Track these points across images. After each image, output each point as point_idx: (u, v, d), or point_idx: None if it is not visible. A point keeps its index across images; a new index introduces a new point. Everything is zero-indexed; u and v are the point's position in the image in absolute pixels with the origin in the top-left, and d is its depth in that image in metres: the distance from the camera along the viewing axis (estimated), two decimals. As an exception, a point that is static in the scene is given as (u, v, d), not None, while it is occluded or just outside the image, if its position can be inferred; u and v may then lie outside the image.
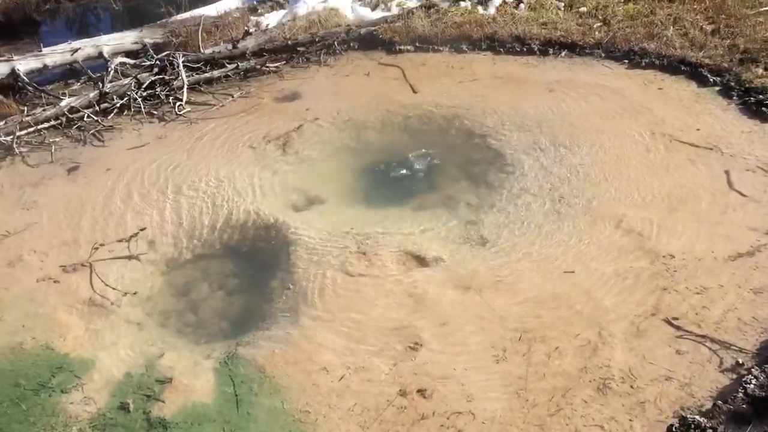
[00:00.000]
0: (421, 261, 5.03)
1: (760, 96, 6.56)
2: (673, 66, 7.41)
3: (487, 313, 4.52)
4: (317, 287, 4.84)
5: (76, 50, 8.84)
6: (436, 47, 8.57)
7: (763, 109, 6.39)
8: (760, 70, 6.97)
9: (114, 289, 5.06)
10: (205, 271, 5.38)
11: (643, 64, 7.59)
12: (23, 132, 7.17)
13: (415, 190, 6.08)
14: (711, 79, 7.05)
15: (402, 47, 8.67)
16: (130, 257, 5.37)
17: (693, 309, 4.39)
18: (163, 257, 5.43)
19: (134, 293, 5.08)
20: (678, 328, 4.28)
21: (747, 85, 6.79)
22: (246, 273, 5.33)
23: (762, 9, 8.27)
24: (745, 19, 8.07)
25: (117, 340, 4.65)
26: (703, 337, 4.19)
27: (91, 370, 4.40)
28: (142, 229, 5.57)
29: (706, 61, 7.34)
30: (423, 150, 6.46)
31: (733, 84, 6.90)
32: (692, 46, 7.67)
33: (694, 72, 7.24)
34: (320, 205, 5.87)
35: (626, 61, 7.71)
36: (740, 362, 4.01)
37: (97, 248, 5.38)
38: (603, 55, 7.88)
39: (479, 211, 5.57)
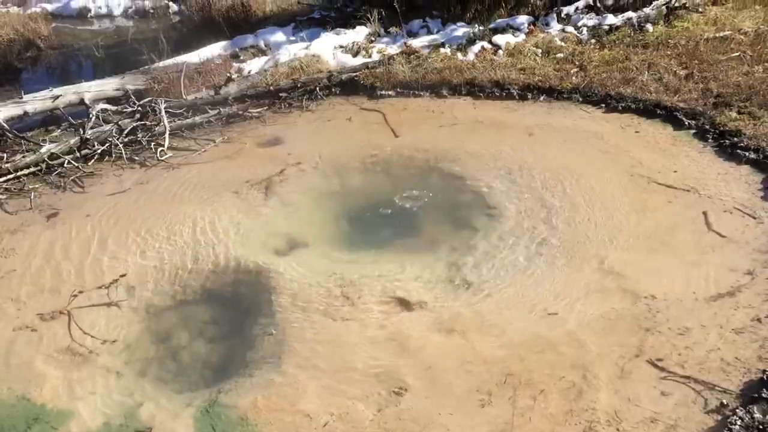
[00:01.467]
0: (405, 304, 5.01)
1: (735, 139, 6.70)
2: (649, 110, 7.55)
3: (471, 357, 4.49)
4: (300, 332, 4.80)
5: (57, 97, 8.87)
6: (416, 92, 8.70)
7: (738, 151, 6.52)
8: (734, 114, 7.14)
9: (93, 337, 4.97)
10: (186, 318, 5.32)
11: (620, 108, 7.74)
12: (2, 179, 7.12)
13: (398, 234, 6.09)
14: (686, 122, 7.20)
15: (383, 92, 8.81)
16: (109, 304, 5.30)
17: (676, 350, 4.40)
18: (143, 304, 5.37)
19: (113, 341, 4.99)
20: (662, 369, 4.27)
21: (721, 128, 6.92)
22: (227, 319, 5.27)
23: (733, 54, 8.55)
24: (717, 64, 8.31)
25: (95, 390, 4.55)
26: (687, 378, 4.19)
27: (68, 421, 4.29)
28: (122, 276, 5.52)
29: (681, 105, 7.52)
30: (414, 192, 6.51)
31: (707, 127, 7.04)
32: (667, 91, 7.87)
33: (669, 115, 7.39)
34: (303, 249, 5.86)
35: (603, 105, 7.86)
36: (725, 403, 4.00)
37: (75, 295, 5.31)
38: (580, 99, 8.03)
39: (462, 253, 5.58)
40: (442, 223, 6.15)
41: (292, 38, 11.24)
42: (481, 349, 4.56)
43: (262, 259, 5.62)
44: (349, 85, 9.07)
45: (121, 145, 7.71)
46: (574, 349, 4.48)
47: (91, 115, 8.12)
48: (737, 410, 3.93)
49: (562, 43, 9.53)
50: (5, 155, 7.54)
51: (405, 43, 10.02)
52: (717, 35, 9.08)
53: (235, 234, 6.00)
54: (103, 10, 16.96)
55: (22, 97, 8.70)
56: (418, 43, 10.08)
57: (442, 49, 9.69)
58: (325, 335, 4.77)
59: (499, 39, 9.73)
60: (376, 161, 7.09)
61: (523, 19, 10.54)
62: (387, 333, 4.76)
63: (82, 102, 9.04)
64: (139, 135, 7.97)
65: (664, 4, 10.18)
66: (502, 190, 6.34)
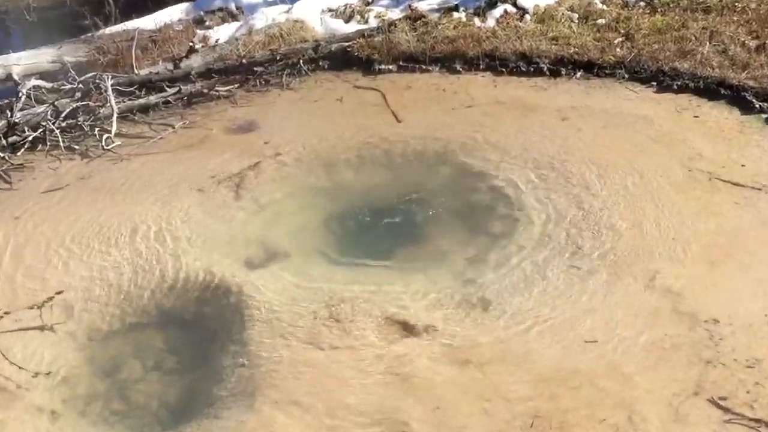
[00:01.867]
0: (409, 329, 5.01)
1: (818, 126, 6.74)
2: (711, 89, 7.55)
3: (490, 394, 4.49)
4: (278, 363, 4.79)
5: (-22, 71, 8.90)
6: (423, 67, 8.69)
7: (822, 141, 6.56)
8: (817, 95, 7.16)
9: (21, 368, 4.95)
10: (138, 345, 5.33)
11: (675, 86, 7.75)
12: None
13: (401, 242, 6.09)
14: (757, 105, 7.20)
15: (382, 67, 8.80)
16: (42, 328, 5.29)
17: (743, 386, 4.38)
18: (85, 327, 5.37)
19: (47, 373, 4.98)
20: (726, 410, 4.25)
21: (801, 113, 6.98)
22: (189, 346, 5.28)
23: (816, 20, 8.55)
24: (796, 33, 8.34)
25: (24, 435, 4.57)
26: (757, 421, 4.17)
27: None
28: (58, 293, 5.50)
29: (751, 83, 7.50)
30: (419, 191, 6.55)
31: (784, 111, 7.10)
32: (733, 66, 7.86)
33: (736, 96, 7.39)
34: (283, 260, 5.85)
35: (654, 83, 7.87)
36: (803, 453, 4.03)
37: (1, 317, 5.31)
38: (626, 76, 8.03)
39: (479, 267, 5.58)
40: (454, 230, 6.14)
41: (270, -1, 11.25)
42: (502, 384, 4.54)
43: (233, 272, 5.61)
44: (340, 58, 9.04)
45: (57, 131, 7.68)
46: (618, 385, 4.46)
47: (20, 94, 8.07)
48: (818, 462, 3.96)
49: (604, 6, 9.52)
50: None
51: (409, 6, 10.00)
52: (796, -3, 9.08)
53: (200, 242, 5.99)
54: (36, -36, 16.95)
55: (-69, 73, 8.72)
56: (426, 5, 10.05)
57: (455, 13, 9.67)
58: (310, 367, 4.76)
59: (525, 1, 9.74)
60: (373, 153, 7.09)
61: (555, -25, 10.52)
62: (386, 364, 4.75)
63: (9, 78, 9.01)
64: (81, 119, 7.92)
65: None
66: (528, 188, 6.33)
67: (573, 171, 6.46)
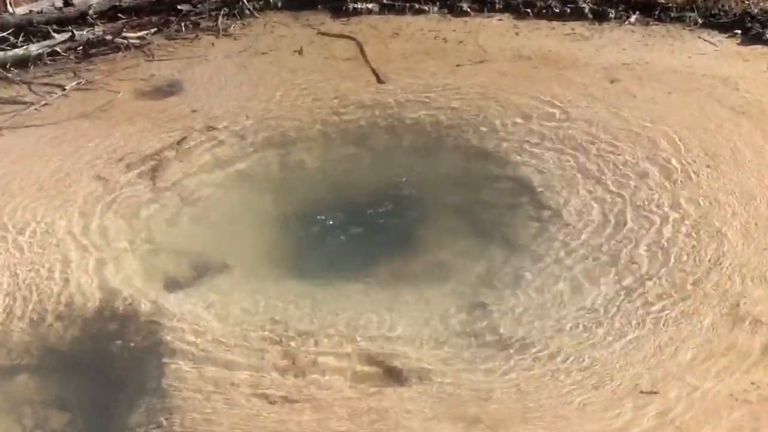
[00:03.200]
0: (394, 375, 5.01)
1: None
2: (819, 40, 7.68)
3: (508, 469, 4.55)
4: (211, 424, 4.74)
5: None
6: (417, 6, 8.75)
7: None
8: None
9: None
10: (12, 399, 5.28)
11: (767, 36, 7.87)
12: None
13: (384, 253, 6.12)
14: None
15: (359, 5, 8.85)
16: None
17: None
18: (-62, 373, 5.40)
19: None
20: None
21: None
22: (86, 400, 5.24)
23: None
24: None
25: None
26: None
27: None
28: None
29: None
30: (409, 179, 6.63)
31: None
32: None
33: None
34: (218, 277, 5.89)
35: (738, 31, 7.97)
36: None
37: None
38: (700, 21, 8.18)
39: (493, 287, 5.61)
40: (458, 236, 6.19)
41: None
42: (526, 454, 4.61)
43: (147, 296, 5.61)
44: (298, -8, 9.20)
45: None
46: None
47: None
48: None
49: None
50: None
51: None
52: None
53: (100, 252, 5.98)
54: None
55: None
56: None
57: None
58: (256, 429, 4.72)
59: None
60: (345, 127, 7.15)
61: None
62: (364, 425, 4.71)
63: None
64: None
65: None
66: (562, 176, 6.37)
67: (623, 154, 6.50)
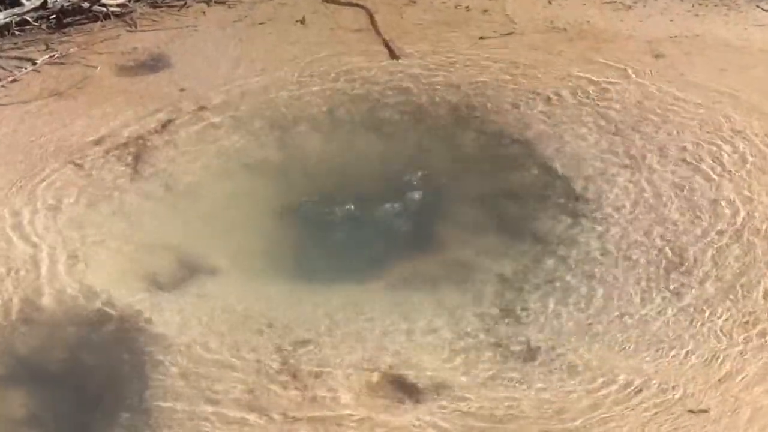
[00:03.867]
0: (410, 391, 4.94)
1: None
2: None
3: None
4: (201, 444, 4.62)
5: None
6: (435, -31, 8.72)
7: None
8: None
9: None
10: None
11: None
12: None
13: (397, 251, 6.08)
14: None
15: (370, -33, 8.81)
16: None
17: None
18: None
19: None
20: None
21: None
22: (57, 417, 5.19)
23: None
24: None
25: None
26: None
27: None
28: None
29: None
30: (425, 170, 6.60)
31: None
32: None
33: None
34: (208, 278, 5.85)
35: (808, -4, 7.93)
36: None
37: None
38: (759, -12, 8.12)
39: (521, 291, 5.55)
40: (481, 229, 6.16)
41: None
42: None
43: (129, 298, 5.57)
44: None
45: None
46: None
47: None
48: None
49: None
50: None
51: None
52: None
53: (74, 247, 5.93)
54: None
55: None
56: None
57: None
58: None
59: None
60: (353, 108, 7.13)
61: None
62: (372, 448, 4.55)
63: None
64: None
65: None
66: (601, 164, 6.34)
67: (669, 139, 6.53)
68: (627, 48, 7.53)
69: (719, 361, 5.07)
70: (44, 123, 7.15)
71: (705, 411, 4.80)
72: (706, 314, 5.32)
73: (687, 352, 5.12)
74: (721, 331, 5.21)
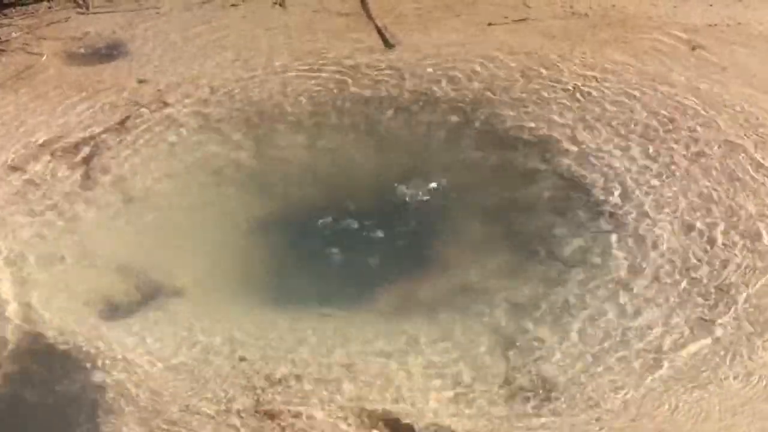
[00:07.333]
0: (409, 437, 4.71)
1: None
2: None
3: None
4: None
5: None
6: (437, -58, 8.61)
7: None
8: None
9: None
10: None
11: None
12: None
13: (392, 273, 5.96)
14: None
15: (361, -59, 8.69)
16: None
17: None
18: None
19: None
20: None
21: None
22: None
23: None
24: None
25: None
26: None
27: None
28: None
29: None
30: (425, 176, 6.56)
31: None
32: None
33: None
34: (169, 301, 5.71)
35: None
36: None
37: None
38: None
39: (535, 320, 5.45)
40: (488, 247, 6.07)
41: None
42: None
43: (77, 325, 5.45)
44: None
45: None
46: None
47: None
48: None
49: None
50: None
51: None
52: None
53: (15, 267, 5.85)
54: None
55: None
56: None
57: None
58: None
59: None
60: (340, 104, 7.07)
61: None
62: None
63: None
64: None
65: None
66: (628, 169, 6.29)
67: (712, 139, 6.45)
68: (659, 38, 7.62)
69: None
70: (-19, 121, 6.94)
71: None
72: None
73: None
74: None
